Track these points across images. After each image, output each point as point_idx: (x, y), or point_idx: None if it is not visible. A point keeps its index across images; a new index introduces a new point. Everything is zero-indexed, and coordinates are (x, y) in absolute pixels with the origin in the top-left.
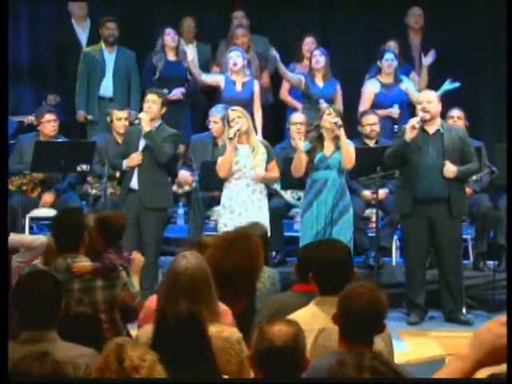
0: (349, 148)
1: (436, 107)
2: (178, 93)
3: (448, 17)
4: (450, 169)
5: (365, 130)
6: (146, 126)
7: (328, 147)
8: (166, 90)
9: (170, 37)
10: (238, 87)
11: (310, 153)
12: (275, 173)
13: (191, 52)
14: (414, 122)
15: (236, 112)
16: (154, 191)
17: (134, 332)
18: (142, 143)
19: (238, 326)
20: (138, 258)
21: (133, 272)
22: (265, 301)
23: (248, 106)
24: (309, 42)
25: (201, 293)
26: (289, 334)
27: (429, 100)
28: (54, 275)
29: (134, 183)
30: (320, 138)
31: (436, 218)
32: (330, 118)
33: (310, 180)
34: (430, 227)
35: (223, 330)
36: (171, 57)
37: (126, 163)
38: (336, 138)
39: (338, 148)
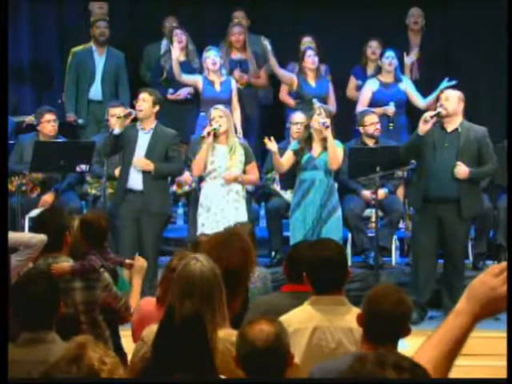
0: (336, 149)
1: (454, 105)
2: (184, 92)
3: (447, 17)
4: (461, 170)
5: (369, 130)
6: (146, 166)
7: (316, 148)
8: (171, 90)
9: (176, 37)
10: (217, 87)
11: (298, 153)
12: (253, 175)
13: (176, 51)
14: (426, 115)
15: (218, 111)
16: (159, 196)
17: (124, 333)
18: (140, 143)
19: (234, 325)
20: (140, 261)
21: (134, 274)
22: (253, 302)
23: (228, 105)
24: (307, 42)
25: (215, 297)
26: (270, 334)
27: (448, 97)
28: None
29: (132, 183)
30: (309, 138)
31: (445, 218)
32: (320, 119)
33: (297, 180)
34: (440, 227)
35: (232, 334)
36: (180, 57)
37: (117, 129)
38: (324, 139)
39: (325, 149)
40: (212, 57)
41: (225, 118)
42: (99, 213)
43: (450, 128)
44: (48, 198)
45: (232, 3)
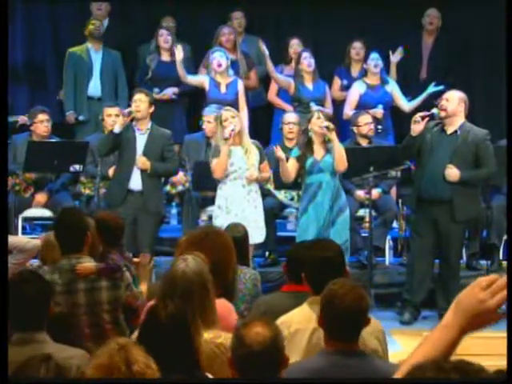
0: (342, 151)
1: (453, 106)
2: (169, 92)
3: (445, 17)
4: (451, 173)
5: (363, 130)
6: (142, 165)
7: (318, 151)
8: (156, 90)
9: (162, 38)
10: (223, 89)
11: (300, 158)
12: (267, 173)
13: (180, 52)
14: (417, 116)
15: (230, 112)
16: (156, 195)
17: None
18: (139, 143)
19: None
20: (144, 260)
21: (142, 278)
22: (254, 302)
23: (233, 106)
24: (294, 44)
25: (196, 297)
26: (266, 337)
27: (448, 98)
28: (43, 277)
29: (133, 184)
30: (309, 143)
31: (439, 219)
32: (320, 123)
33: (303, 185)
34: (435, 227)
35: (218, 335)
36: (166, 57)
37: (117, 128)
38: (325, 142)
39: (327, 151)
40: (218, 58)
41: (237, 119)
42: (114, 212)
43: (449, 130)
44: (41, 197)
45: (229, 4)
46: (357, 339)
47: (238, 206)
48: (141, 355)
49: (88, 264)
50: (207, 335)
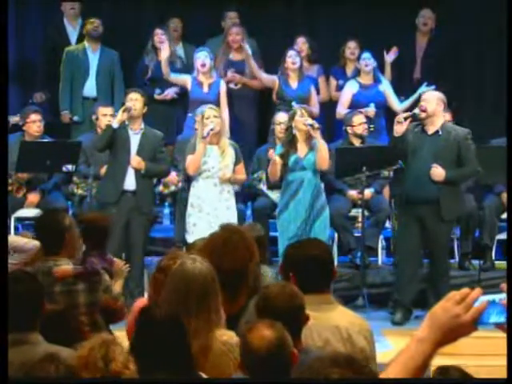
0: (325, 149)
1: (433, 107)
2: (171, 92)
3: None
4: (436, 173)
5: (357, 130)
6: (137, 165)
7: (301, 148)
8: (158, 91)
9: (157, 37)
10: (205, 88)
11: (284, 156)
12: (242, 175)
13: (165, 50)
14: (400, 116)
15: (213, 111)
16: (148, 195)
17: (118, 333)
18: (133, 143)
19: (235, 325)
20: (119, 265)
21: (116, 278)
22: (251, 301)
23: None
24: (300, 42)
25: (211, 297)
26: (272, 339)
27: (426, 99)
28: (36, 277)
29: (126, 184)
30: (292, 140)
31: (426, 219)
32: (304, 120)
33: (284, 181)
34: (422, 227)
35: (223, 333)
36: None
37: (116, 123)
38: (308, 139)
39: (311, 148)
40: (202, 58)
41: (219, 119)
42: (101, 213)
43: (431, 130)
44: (34, 198)
45: (226, 2)
46: (298, 337)
47: (209, 205)
48: (121, 354)
49: (66, 267)
50: (215, 333)
